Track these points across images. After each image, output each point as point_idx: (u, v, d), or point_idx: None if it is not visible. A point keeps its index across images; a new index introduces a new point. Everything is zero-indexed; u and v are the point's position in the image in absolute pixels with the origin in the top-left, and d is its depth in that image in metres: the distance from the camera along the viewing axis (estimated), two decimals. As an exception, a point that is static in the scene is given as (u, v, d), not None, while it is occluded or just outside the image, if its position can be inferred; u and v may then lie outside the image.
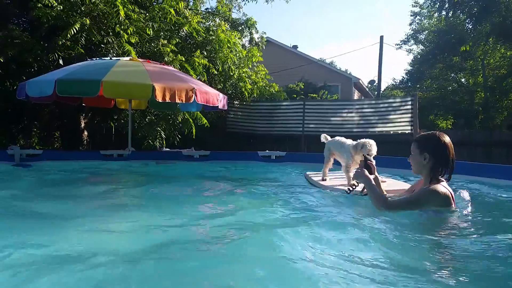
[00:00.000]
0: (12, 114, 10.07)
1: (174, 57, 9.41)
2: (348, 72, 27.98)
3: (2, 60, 8.16)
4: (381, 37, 21.52)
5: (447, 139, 2.60)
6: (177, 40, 10.30)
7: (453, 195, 2.56)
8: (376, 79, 25.32)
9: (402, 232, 2.32)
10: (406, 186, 3.72)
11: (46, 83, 6.49)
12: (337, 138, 4.48)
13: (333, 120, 11.84)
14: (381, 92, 25.83)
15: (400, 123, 10.98)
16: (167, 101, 6.53)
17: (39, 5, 8.17)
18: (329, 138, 4.70)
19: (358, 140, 3.95)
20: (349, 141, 4.18)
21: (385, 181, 3.90)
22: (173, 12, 9.55)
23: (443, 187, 2.52)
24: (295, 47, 25.64)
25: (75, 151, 9.49)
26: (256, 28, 14.55)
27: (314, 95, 16.97)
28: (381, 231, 2.34)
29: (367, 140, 3.83)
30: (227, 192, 4.34)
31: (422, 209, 2.52)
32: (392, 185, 4.01)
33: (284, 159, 8.20)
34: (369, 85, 32.61)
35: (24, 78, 8.19)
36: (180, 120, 9.90)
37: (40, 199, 3.66)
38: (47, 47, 8.59)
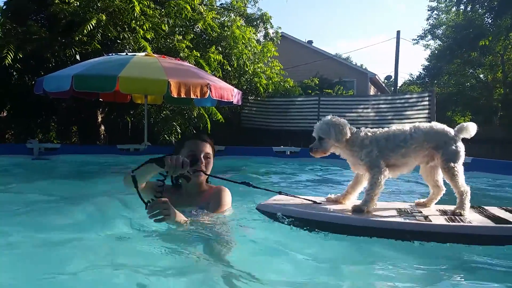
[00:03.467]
0: (31, 109, 10.25)
1: (189, 53, 9.43)
2: (364, 68, 27.68)
3: (21, 56, 8.29)
4: (398, 32, 21.29)
5: None
6: (192, 35, 10.32)
7: None
8: (392, 74, 25.03)
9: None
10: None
11: (63, 78, 6.57)
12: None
13: (348, 116, 11.74)
14: (398, 87, 25.50)
15: (417, 119, 10.82)
16: (182, 96, 6.54)
17: (57, 1, 8.27)
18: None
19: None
20: None
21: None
22: (188, 8, 9.56)
23: None
24: (310, 42, 25.44)
25: (92, 146, 9.62)
26: (271, 23, 14.51)
27: (329, 90, 16.84)
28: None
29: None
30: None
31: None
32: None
33: (299, 155, 8.17)
34: (386, 81, 32.23)
35: (42, 73, 8.30)
36: (195, 115, 9.94)
37: (51, 193, 3.71)
38: (65, 43, 8.70)
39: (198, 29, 10.98)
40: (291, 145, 9.35)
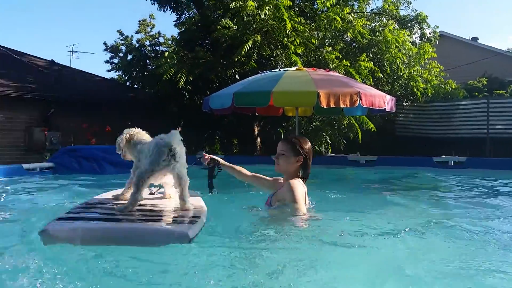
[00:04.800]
0: (200, 125, 11.63)
1: (339, 63, 9.42)
2: (547, 62, 23.36)
3: (191, 78, 9.52)
4: None
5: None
6: (342, 45, 10.29)
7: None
8: None
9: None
10: None
11: (225, 96, 7.27)
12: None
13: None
14: None
15: None
16: (331, 106, 6.56)
17: (218, 26, 9.26)
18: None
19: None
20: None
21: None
22: (339, 19, 9.58)
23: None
24: (475, 39, 22.74)
25: (249, 156, 10.38)
26: (428, 23, 13.55)
27: (501, 91, 14.77)
28: None
29: None
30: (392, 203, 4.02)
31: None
32: None
33: (464, 166, 7.35)
34: None
35: (208, 93, 9.36)
36: (345, 125, 9.84)
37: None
38: (226, 64, 9.66)
39: (348, 38, 10.90)
40: (455, 155, 8.45)
